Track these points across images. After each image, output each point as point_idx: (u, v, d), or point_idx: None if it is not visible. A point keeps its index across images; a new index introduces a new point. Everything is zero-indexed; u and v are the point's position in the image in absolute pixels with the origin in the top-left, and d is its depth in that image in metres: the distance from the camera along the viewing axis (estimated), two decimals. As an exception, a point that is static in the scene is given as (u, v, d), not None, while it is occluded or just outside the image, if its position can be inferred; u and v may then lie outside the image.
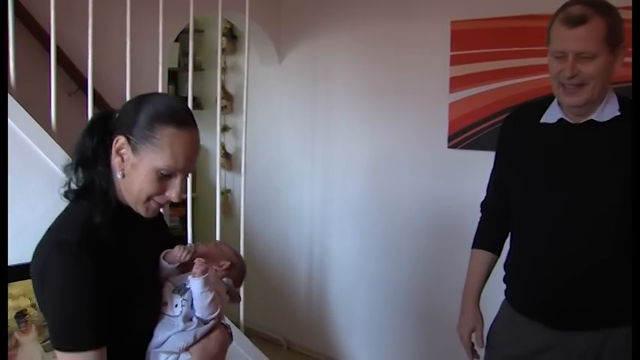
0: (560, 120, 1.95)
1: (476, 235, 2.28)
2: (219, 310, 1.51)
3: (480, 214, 2.29)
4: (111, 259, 1.40)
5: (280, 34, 4.42)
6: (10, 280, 2.13)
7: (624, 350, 1.84)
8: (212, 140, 4.92)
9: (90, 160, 1.48)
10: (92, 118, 1.56)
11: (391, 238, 3.88)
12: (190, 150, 1.46)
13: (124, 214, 1.49)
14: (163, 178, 1.45)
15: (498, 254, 2.21)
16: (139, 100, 1.49)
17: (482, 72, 3.40)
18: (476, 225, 2.26)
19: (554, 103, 1.98)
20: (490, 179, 2.24)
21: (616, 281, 1.90)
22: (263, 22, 4.19)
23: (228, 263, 1.64)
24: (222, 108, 4.41)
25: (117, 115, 1.51)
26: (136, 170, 1.44)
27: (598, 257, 1.89)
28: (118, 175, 1.46)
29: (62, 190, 1.52)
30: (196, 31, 3.36)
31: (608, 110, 1.89)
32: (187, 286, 1.49)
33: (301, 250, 4.42)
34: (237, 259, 1.69)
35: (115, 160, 1.46)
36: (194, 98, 3.20)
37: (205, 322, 1.49)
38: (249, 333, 3.29)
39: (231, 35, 4.78)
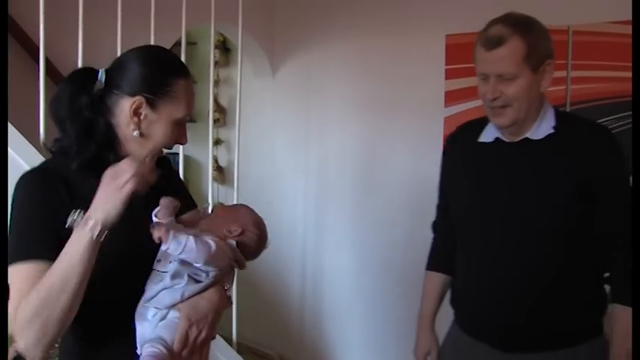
0: (497, 139, 1.94)
1: (429, 257, 2.25)
2: (217, 270, 1.44)
3: (432, 235, 2.26)
4: (77, 189, 1.43)
5: (274, 46, 4.39)
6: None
7: None
8: (204, 153, 4.91)
9: (88, 130, 1.48)
10: (74, 78, 1.54)
11: (387, 253, 3.84)
12: (193, 97, 1.55)
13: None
14: (178, 127, 1.52)
15: (452, 274, 2.15)
16: (140, 56, 1.52)
17: (471, 87, 3.37)
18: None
19: (491, 123, 1.96)
20: (438, 199, 2.22)
21: (562, 301, 1.86)
22: (256, 35, 4.16)
23: (239, 230, 1.52)
24: (215, 121, 4.38)
25: (105, 73, 1.51)
26: (155, 126, 1.49)
27: (541, 277, 1.86)
28: (135, 134, 1.48)
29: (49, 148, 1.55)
30: (189, 43, 3.33)
31: (544, 127, 1.87)
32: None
33: (294, 265, 4.37)
34: (253, 228, 1.56)
35: (132, 120, 1.47)
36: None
37: (197, 281, 1.42)
38: (241, 349, 3.25)
39: (224, 48, 4.76)
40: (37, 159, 2.34)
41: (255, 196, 4.52)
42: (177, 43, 3.50)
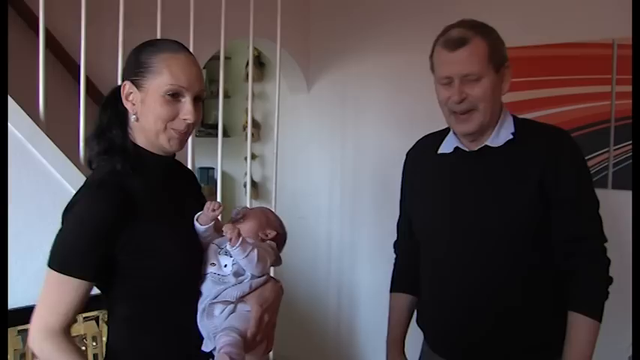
0: (456, 149, 1.89)
1: (393, 278, 2.19)
2: (269, 264, 1.57)
3: (394, 251, 2.21)
4: (138, 200, 1.48)
5: (309, 61, 4.37)
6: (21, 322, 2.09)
7: None
8: (237, 168, 4.90)
9: (105, 128, 1.57)
10: (105, 97, 1.64)
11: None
12: (189, 69, 1.54)
13: (148, 161, 1.57)
14: (172, 101, 1.52)
15: (418, 294, 2.08)
16: (133, 50, 1.60)
17: (515, 101, 3.30)
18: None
19: (450, 134, 1.93)
20: (399, 218, 2.17)
21: (533, 317, 1.80)
22: (292, 50, 4.14)
23: (274, 233, 1.67)
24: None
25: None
26: (146, 104, 1.52)
27: (505, 289, 1.79)
28: (132, 119, 1.54)
29: (88, 162, 1.62)
30: (224, 58, 3.31)
31: (503, 134, 1.84)
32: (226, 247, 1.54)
33: (330, 280, 4.33)
34: (281, 228, 1.72)
35: (128, 107, 1.54)
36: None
37: (258, 277, 1.55)
38: (277, 367, 3.20)
39: (259, 62, 4.75)
40: (77, 176, 2.33)
41: (290, 211, 4.49)
42: (212, 58, 3.49)
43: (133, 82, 1.53)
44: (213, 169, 4.98)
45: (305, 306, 4.41)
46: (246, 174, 3.65)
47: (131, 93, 1.54)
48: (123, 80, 1.57)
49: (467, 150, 1.88)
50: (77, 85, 2.60)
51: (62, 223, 1.49)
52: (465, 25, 1.83)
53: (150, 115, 1.52)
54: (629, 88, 3.05)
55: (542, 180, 1.77)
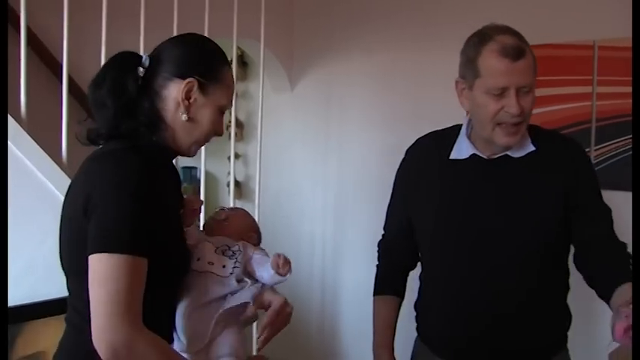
0: (473, 155, 1.84)
1: (378, 280, 2.13)
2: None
3: (378, 255, 2.15)
4: (160, 201, 1.40)
5: (292, 61, 4.37)
6: (22, 319, 2.06)
7: None
8: (220, 167, 4.88)
9: (131, 109, 1.45)
10: (115, 60, 1.52)
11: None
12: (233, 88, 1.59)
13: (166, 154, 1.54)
14: (220, 116, 1.53)
15: (403, 297, 2.08)
16: (189, 41, 1.56)
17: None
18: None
19: (463, 138, 1.88)
20: (388, 218, 2.11)
21: (540, 319, 1.83)
22: (275, 49, 4.13)
23: (255, 236, 1.71)
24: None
25: (150, 57, 1.50)
26: (203, 111, 1.49)
27: (522, 298, 1.80)
28: (183, 118, 1.47)
29: (85, 136, 1.49)
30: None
31: (523, 145, 1.81)
32: (233, 249, 1.57)
33: (313, 279, 4.33)
34: (259, 231, 1.76)
35: (180, 103, 1.47)
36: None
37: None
38: (260, 367, 3.20)
39: (242, 62, 4.74)
40: (58, 175, 2.32)
41: (273, 211, 4.50)
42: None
43: (199, 83, 1.48)
44: (196, 168, 4.95)
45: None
46: (229, 173, 3.65)
47: (192, 91, 1.48)
48: (185, 74, 1.48)
49: (485, 157, 1.85)
50: (59, 84, 2.58)
51: (99, 198, 1.34)
52: (511, 32, 1.76)
53: (204, 123, 1.50)
54: (609, 89, 3.08)
55: (567, 194, 1.79)
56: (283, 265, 1.57)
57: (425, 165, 1.97)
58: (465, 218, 1.84)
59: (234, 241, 1.62)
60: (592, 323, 1.87)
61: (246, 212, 1.78)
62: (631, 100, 2.95)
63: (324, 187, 4.28)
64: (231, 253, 1.58)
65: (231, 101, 1.56)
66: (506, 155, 1.82)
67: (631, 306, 1.40)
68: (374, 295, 2.12)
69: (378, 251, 2.16)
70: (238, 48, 4.45)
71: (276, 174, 4.40)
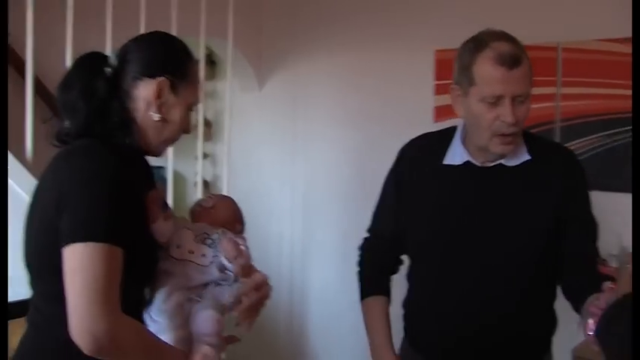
0: (467, 162, 1.83)
1: (365, 283, 2.07)
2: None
3: (361, 258, 2.11)
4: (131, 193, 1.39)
5: (261, 60, 4.36)
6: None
7: None
8: (188, 167, 4.86)
9: (103, 110, 1.44)
10: (84, 61, 1.51)
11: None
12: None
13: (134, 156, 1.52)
14: (190, 113, 1.55)
15: (391, 298, 2.04)
16: (156, 40, 1.55)
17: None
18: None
19: (457, 144, 1.86)
20: (377, 219, 2.08)
21: (527, 324, 1.84)
22: (243, 48, 4.12)
23: (240, 226, 1.71)
24: (200, 135, 4.34)
25: (117, 57, 1.49)
26: (174, 110, 1.50)
27: (511, 304, 1.80)
28: (155, 118, 1.47)
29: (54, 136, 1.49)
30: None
31: (517, 154, 1.80)
32: (212, 237, 1.55)
33: (281, 280, 4.32)
34: (242, 220, 1.76)
35: (152, 103, 1.46)
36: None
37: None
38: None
39: (210, 61, 4.71)
40: (26, 177, 2.29)
41: (251, 210, 4.48)
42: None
43: (170, 82, 1.48)
44: (163, 167, 4.92)
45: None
46: (197, 173, 3.63)
47: (165, 91, 1.48)
48: (155, 73, 1.47)
49: (479, 165, 1.83)
50: (23, 83, 2.56)
51: (71, 193, 1.33)
52: (508, 39, 1.72)
53: (176, 121, 1.51)
54: (573, 90, 3.13)
55: (561, 205, 1.78)
56: (232, 252, 1.55)
57: (419, 168, 1.94)
58: (458, 224, 1.83)
59: (214, 229, 1.60)
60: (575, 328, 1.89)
61: (234, 201, 1.76)
62: (595, 101, 3.06)
63: (292, 186, 4.28)
64: (210, 241, 1.56)
65: (199, 98, 1.56)
66: (501, 164, 1.80)
67: (600, 301, 1.40)
68: (362, 298, 2.06)
69: (360, 254, 2.12)
70: (206, 47, 4.44)
71: (244, 174, 4.39)
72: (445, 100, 3.44)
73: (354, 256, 3.86)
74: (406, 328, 2.04)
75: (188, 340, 1.47)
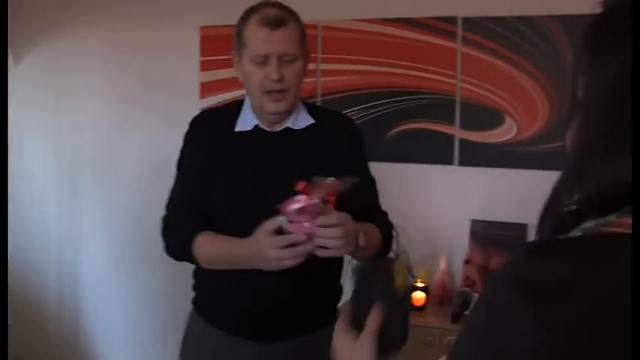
0: (256, 127, 1.92)
1: (182, 235, 1.96)
2: None
3: (165, 228, 2.04)
4: None
5: (16, 34, 4.08)
6: None
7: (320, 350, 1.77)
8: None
9: None
10: None
11: (147, 248, 3.77)
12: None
13: None
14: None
15: None
16: None
17: (233, 77, 3.43)
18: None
19: (247, 111, 1.94)
20: (177, 192, 2.02)
21: (315, 288, 1.93)
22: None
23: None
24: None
25: None
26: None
27: (297, 272, 1.76)
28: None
29: None
30: None
31: (302, 118, 1.93)
32: None
33: (49, 265, 4.14)
34: None
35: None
36: None
37: None
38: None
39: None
40: None
41: (10, 196, 4.20)
42: None
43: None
44: None
45: (23, 294, 4.17)
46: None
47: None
48: None
49: (268, 130, 1.91)
50: None
51: None
52: (278, 6, 1.83)
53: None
54: (332, 67, 3.35)
55: (345, 163, 1.88)
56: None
57: (212, 137, 1.96)
58: (253, 189, 1.88)
59: None
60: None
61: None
62: (353, 77, 3.29)
63: (56, 167, 4.10)
64: None
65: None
66: (288, 128, 1.90)
67: None
68: (188, 247, 1.92)
69: (163, 228, 2.04)
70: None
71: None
72: (212, 76, 3.52)
73: (125, 236, 3.83)
74: (195, 298, 2.05)
75: None
